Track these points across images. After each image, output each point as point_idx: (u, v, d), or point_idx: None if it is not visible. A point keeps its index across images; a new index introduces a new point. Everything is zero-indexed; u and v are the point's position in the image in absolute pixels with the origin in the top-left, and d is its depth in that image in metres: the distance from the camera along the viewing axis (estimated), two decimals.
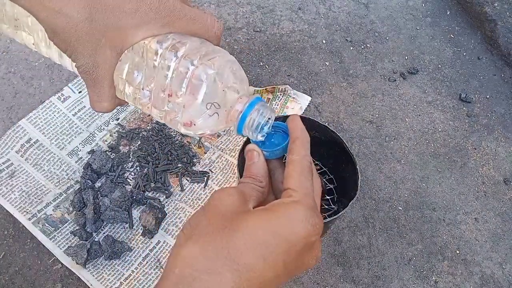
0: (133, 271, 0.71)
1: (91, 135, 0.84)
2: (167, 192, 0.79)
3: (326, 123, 0.75)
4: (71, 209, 0.75)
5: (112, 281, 0.69)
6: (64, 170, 0.79)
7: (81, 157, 0.81)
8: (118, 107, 0.37)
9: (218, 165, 0.83)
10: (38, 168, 0.78)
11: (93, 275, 0.69)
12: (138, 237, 0.74)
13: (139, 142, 0.84)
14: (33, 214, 0.73)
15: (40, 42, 0.37)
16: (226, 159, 0.84)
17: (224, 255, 0.28)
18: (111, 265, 0.71)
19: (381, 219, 0.82)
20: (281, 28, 1.07)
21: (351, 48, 1.06)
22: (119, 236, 0.74)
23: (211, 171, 0.82)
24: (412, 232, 0.81)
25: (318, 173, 0.64)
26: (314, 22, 1.10)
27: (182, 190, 0.80)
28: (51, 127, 0.83)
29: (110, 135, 0.85)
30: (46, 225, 0.73)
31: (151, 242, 0.74)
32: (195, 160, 0.83)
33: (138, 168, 0.81)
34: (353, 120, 0.94)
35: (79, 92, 0.88)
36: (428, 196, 0.86)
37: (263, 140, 0.37)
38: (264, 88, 0.92)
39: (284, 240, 0.29)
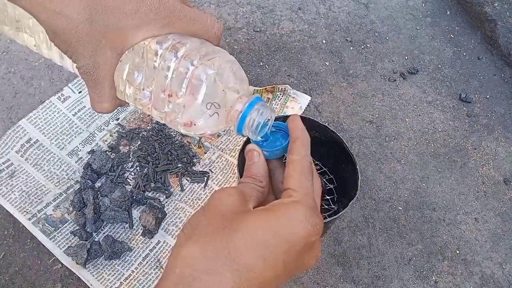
0: (133, 271, 0.71)
1: (91, 135, 0.84)
2: (167, 192, 0.79)
3: (326, 123, 0.75)
4: (71, 209, 0.75)
5: (112, 281, 0.69)
6: (64, 170, 0.79)
7: (81, 157, 0.81)
8: (119, 107, 0.37)
9: (218, 165, 0.83)
10: (38, 168, 0.78)
11: (93, 275, 0.69)
12: (138, 237, 0.74)
13: (139, 142, 0.84)
14: (33, 214, 0.73)
15: (42, 43, 0.37)
16: (226, 159, 0.84)
17: (224, 255, 0.28)
18: (111, 265, 0.71)
19: (381, 219, 0.82)
20: (281, 28, 1.07)
21: (351, 48, 1.06)
22: (119, 236, 0.74)
23: (211, 171, 0.82)
24: (412, 232, 0.81)
25: (318, 173, 0.64)
26: (314, 22, 1.10)
27: (182, 190, 0.80)
28: (51, 127, 0.83)
29: (110, 135, 0.85)
30: (46, 225, 0.73)
31: (151, 242, 0.74)
32: (195, 160, 0.83)
33: (138, 168, 0.81)
34: (353, 120, 0.94)
35: (79, 92, 0.88)
36: (428, 196, 0.86)
37: (263, 140, 0.37)
38: (264, 88, 0.93)
39: (284, 240, 0.29)
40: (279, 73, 0.99)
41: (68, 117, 0.85)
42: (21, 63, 0.92)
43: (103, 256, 0.71)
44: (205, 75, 0.31)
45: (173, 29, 0.33)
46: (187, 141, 0.85)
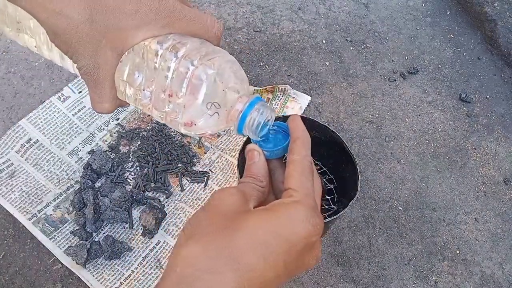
0: (133, 271, 0.71)
1: (91, 135, 0.84)
2: (167, 192, 0.79)
3: (326, 123, 0.75)
4: (71, 209, 0.75)
5: (112, 281, 0.69)
6: (64, 170, 0.79)
7: (81, 157, 0.81)
8: (119, 107, 0.37)
9: (218, 165, 0.83)
10: (38, 168, 0.78)
11: (93, 275, 0.69)
12: (138, 237, 0.74)
13: (139, 142, 0.84)
14: (33, 214, 0.73)
15: (42, 45, 0.37)
16: (226, 159, 0.84)
17: (225, 254, 0.28)
18: (111, 265, 0.71)
19: (381, 219, 0.82)
20: (281, 28, 1.07)
21: (351, 48, 1.06)
22: (119, 236, 0.74)
23: (211, 171, 0.82)
24: (412, 232, 0.81)
25: (318, 173, 0.64)
26: (314, 22, 1.10)
27: (182, 190, 0.80)
28: (51, 127, 0.83)
29: (110, 135, 0.85)
30: (46, 225, 0.73)
31: (151, 242, 0.74)
32: (195, 160, 0.83)
33: (138, 168, 0.81)
34: (353, 120, 0.94)
35: (79, 92, 0.88)
36: (428, 196, 0.86)
37: (263, 140, 0.37)
38: (264, 88, 0.93)
39: (285, 240, 0.29)
40: (279, 73, 0.99)
41: (68, 117, 0.85)
42: (21, 63, 0.92)
43: (103, 256, 0.71)
44: (205, 75, 0.31)
45: (173, 29, 0.33)
46: (187, 141, 0.85)
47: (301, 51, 1.03)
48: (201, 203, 0.79)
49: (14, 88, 0.89)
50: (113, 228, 0.75)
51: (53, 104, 0.85)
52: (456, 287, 0.77)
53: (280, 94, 0.92)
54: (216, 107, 0.33)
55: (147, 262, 0.72)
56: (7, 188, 0.75)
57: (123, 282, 0.69)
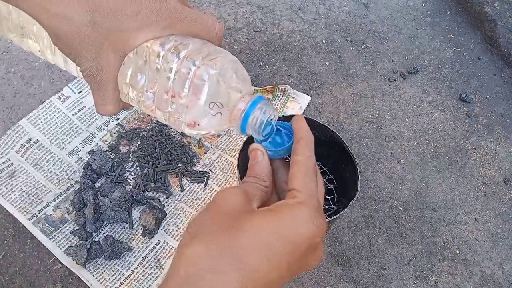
0: (133, 271, 0.71)
1: (91, 135, 0.84)
2: (167, 192, 0.79)
3: (326, 123, 0.75)
4: (71, 209, 0.75)
5: (112, 281, 0.69)
6: (64, 170, 0.79)
7: (81, 157, 0.81)
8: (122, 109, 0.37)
9: (218, 165, 0.83)
10: (38, 168, 0.78)
11: (93, 275, 0.69)
12: (138, 237, 0.74)
13: (139, 142, 0.84)
14: (33, 214, 0.73)
15: (46, 49, 0.37)
16: (226, 159, 0.84)
17: (228, 254, 0.28)
18: (111, 265, 0.71)
19: (381, 219, 0.82)
20: (281, 28, 1.07)
21: (351, 48, 1.06)
22: (119, 236, 0.74)
23: (211, 171, 0.82)
24: (412, 232, 0.81)
25: None
26: (314, 22, 1.10)
27: (182, 190, 0.80)
28: (51, 127, 0.83)
29: (110, 135, 0.85)
30: (46, 225, 0.73)
31: (151, 242, 0.74)
32: (195, 160, 0.83)
33: (138, 168, 0.81)
34: (353, 120, 0.94)
35: (79, 92, 0.88)
36: (428, 196, 0.86)
37: (267, 139, 0.37)
38: (264, 88, 0.93)
39: (289, 241, 0.29)
40: (279, 73, 0.99)
41: (68, 117, 0.85)
42: (21, 63, 0.92)
43: (103, 256, 0.71)
44: (207, 75, 0.31)
45: (174, 31, 0.33)
46: (187, 141, 0.85)
47: (301, 51, 1.03)
48: (201, 203, 0.79)
49: (14, 88, 0.89)
50: (113, 228, 0.75)
51: (53, 104, 0.85)
52: (456, 287, 0.77)
53: (280, 94, 0.92)
54: (219, 106, 0.33)
55: (147, 262, 0.72)
56: (7, 188, 0.75)
57: (123, 282, 0.69)
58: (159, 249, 0.73)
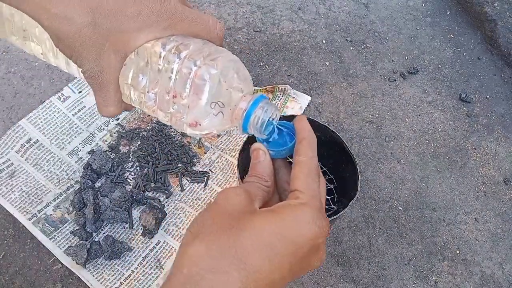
0: (133, 271, 0.71)
1: (91, 135, 0.84)
2: (167, 192, 0.79)
3: (326, 123, 0.75)
4: (71, 209, 0.75)
5: (112, 281, 0.69)
6: (64, 170, 0.79)
7: (81, 157, 0.81)
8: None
9: (218, 165, 0.83)
10: (38, 168, 0.78)
11: (93, 275, 0.69)
12: (138, 237, 0.74)
13: (139, 142, 0.84)
14: (33, 214, 0.73)
15: (48, 52, 0.37)
16: (226, 159, 0.84)
17: (231, 254, 0.28)
18: (111, 265, 0.71)
19: (381, 219, 0.82)
20: (281, 28, 1.07)
21: (351, 48, 1.06)
22: (119, 236, 0.74)
23: (211, 171, 0.82)
24: (412, 232, 0.81)
25: None
26: (314, 22, 1.10)
27: (182, 190, 0.80)
28: (51, 127, 0.83)
29: (110, 135, 0.85)
30: (46, 225, 0.73)
31: (151, 242, 0.74)
32: (195, 160, 0.83)
33: (138, 168, 0.81)
34: (353, 120, 0.94)
35: (79, 92, 0.88)
36: (428, 196, 0.86)
37: (269, 139, 0.37)
38: (264, 88, 0.93)
39: (291, 243, 0.29)
40: (279, 73, 0.99)
41: (68, 117, 0.85)
42: (21, 63, 0.92)
43: (103, 256, 0.71)
44: (208, 74, 0.31)
45: (175, 31, 0.33)
46: (187, 141, 0.85)
47: (301, 51, 1.03)
48: (201, 203, 0.79)
49: (14, 88, 0.89)
50: (113, 228, 0.75)
51: (53, 104, 0.85)
52: (456, 287, 0.77)
53: (280, 94, 0.92)
54: (220, 106, 0.32)
55: (147, 262, 0.72)
56: (7, 188, 0.75)
57: (123, 282, 0.69)
58: (159, 249, 0.73)
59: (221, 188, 0.81)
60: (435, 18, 1.15)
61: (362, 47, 1.07)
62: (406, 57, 1.06)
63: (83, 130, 0.84)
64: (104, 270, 0.70)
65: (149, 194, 0.79)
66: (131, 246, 0.73)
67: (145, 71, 0.33)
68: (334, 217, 0.59)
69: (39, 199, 0.75)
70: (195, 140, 0.86)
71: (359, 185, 0.63)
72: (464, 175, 0.89)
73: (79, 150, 0.82)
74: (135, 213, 0.76)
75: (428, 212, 0.84)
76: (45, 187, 0.77)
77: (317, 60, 1.02)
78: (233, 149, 0.85)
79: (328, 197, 0.75)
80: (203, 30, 0.34)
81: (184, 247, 0.30)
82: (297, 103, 0.92)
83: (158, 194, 0.79)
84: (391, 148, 0.91)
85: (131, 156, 0.83)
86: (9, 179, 0.76)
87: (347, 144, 0.66)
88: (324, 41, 1.06)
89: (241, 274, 0.27)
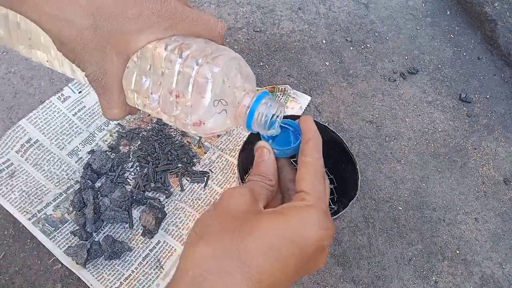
0: (133, 271, 0.71)
1: (91, 135, 0.84)
2: (167, 192, 0.79)
3: (326, 123, 0.75)
4: (71, 209, 0.75)
5: (112, 281, 0.69)
6: (64, 170, 0.79)
7: (81, 157, 0.81)
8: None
9: (218, 165, 0.83)
10: (38, 168, 0.78)
11: (93, 275, 0.69)
12: (138, 237, 0.74)
13: (139, 142, 0.84)
14: (33, 214, 0.73)
15: (54, 60, 0.37)
16: (226, 159, 0.84)
17: (235, 256, 0.28)
18: (111, 265, 0.71)
19: (381, 219, 0.82)
20: (281, 28, 1.07)
21: (351, 48, 1.06)
22: (119, 236, 0.74)
23: (211, 171, 0.82)
24: (412, 232, 0.81)
25: None
26: (314, 22, 1.10)
27: (182, 190, 0.80)
28: (51, 127, 0.83)
29: (110, 135, 0.85)
30: (46, 225, 0.73)
31: (151, 242, 0.74)
32: (195, 160, 0.83)
33: (138, 168, 0.81)
34: (353, 120, 0.94)
35: (79, 92, 0.88)
36: (428, 196, 0.86)
37: (273, 137, 0.36)
38: (264, 88, 0.93)
39: (296, 245, 0.29)
40: (279, 73, 0.99)
41: (68, 117, 0.85)
42: (21, 63, 0.92)
43: (103, 256, 0.71)
44: (210, 73, 0.31)
45: (176, 31, 0.33)
46: (187, 141, 0.85)
47: (301, 51, 1.03)
48: (201, 203, 0.79)
49: (14, 88, 0.89)
50: (113, 228, 0.75)
51: (53, 104, 0.85)
52: (456, 287, 0.77)
53: (280, 94, 0.92)
54: (224, 104, 0.32)
55: (147, 262, 0.72)
56: (7, 188, 0.75)
57: (123, 282, 0.69)
58: (159, 249, 0.73)
59: (221, 188, 0.81)
60: (435, 18, 1.15)
61: (362, 47, 1.07)
62: (406, 57, 1.06)
63: (83, 130, 0.84)
64: (104, 270, 0.70)
65: (149, 194, 0.79)
66: (131, 246, 0.73)
67: (148, 73, 0.33)
68: (334, 217, 0.59)
69: (39, 199, 0.75)
70: (195, 140, 0.86)
71: (359, 185, 0.63)
72: (464, 175, 0.89)
73: (79, 150, 0.82)
74: (135, 213, 0.76)
75: (428, 212, 0.84)
76: (45, 187, 0.77)
77: (317, 60, 1.02)
78: (233, 149, 0.85)
79: None
80: (205, 29, 0.34)
81: (189, 247, 0.30)
82: (297, 103, 0.92)
83: (158, 194, 0.79)
84: (391, 148, 0.91)
85: (131, 156, 0.83)
86: (9, 179, 0.76)
87: (347, 144, 0.66)
88: (324, 41, 1.06)
89: (245, 277, 0.27)
